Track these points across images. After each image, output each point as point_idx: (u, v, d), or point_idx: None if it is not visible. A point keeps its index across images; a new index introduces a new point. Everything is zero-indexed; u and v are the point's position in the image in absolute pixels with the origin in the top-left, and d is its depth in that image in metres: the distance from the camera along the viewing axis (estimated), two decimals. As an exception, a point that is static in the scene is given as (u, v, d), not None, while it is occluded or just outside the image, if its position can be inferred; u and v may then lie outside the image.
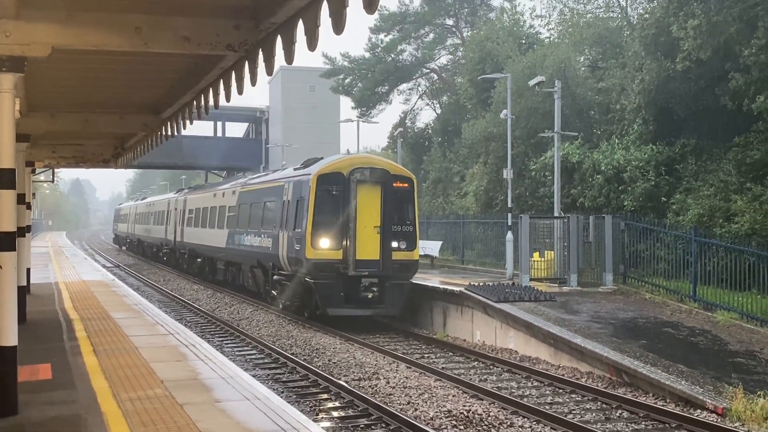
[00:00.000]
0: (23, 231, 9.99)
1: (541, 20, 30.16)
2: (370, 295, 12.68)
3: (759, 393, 8.56)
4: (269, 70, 4.73)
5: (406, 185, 13.34)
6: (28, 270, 12.28)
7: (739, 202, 15.39)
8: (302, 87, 44.78)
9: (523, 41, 28.50)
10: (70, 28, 4.49)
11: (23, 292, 9.43)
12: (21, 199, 8.87)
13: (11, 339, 4.86)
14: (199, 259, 22.91)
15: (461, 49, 31.95)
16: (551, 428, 7.74)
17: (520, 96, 22.52)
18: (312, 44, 3.73)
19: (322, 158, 14.97)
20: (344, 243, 12.68)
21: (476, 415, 8.04)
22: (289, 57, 4.23)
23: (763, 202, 14.92)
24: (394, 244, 12.99)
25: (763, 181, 15.48)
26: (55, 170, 22.41)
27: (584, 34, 26.51)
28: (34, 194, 17.75)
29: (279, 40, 4.30)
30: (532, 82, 19.51)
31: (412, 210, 13.45)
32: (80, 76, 7.05)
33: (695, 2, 16.90)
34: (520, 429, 7.69)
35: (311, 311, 13.52)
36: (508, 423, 7.84)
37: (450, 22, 33.17)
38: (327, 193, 12.69)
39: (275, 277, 14.91)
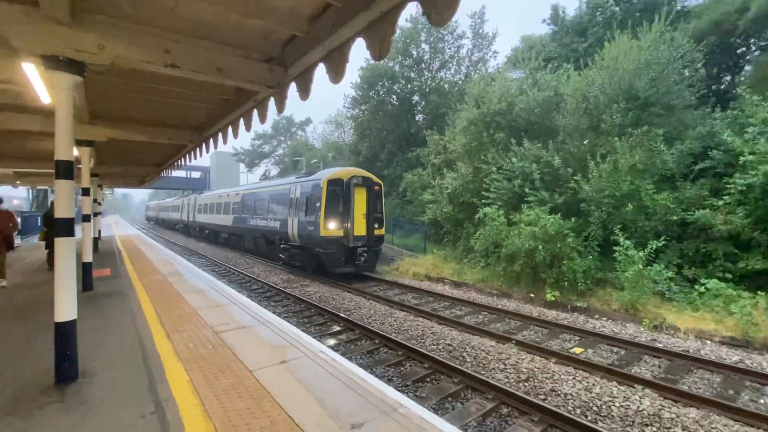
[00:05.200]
0: (97, 214, 14.66)
1: (318, 142, 50.15)
2: (362, 259, 14.14)
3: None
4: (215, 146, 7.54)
5: (378, 188, 14.76)
6: (99, 231, 17.66)
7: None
8: (224, 159, 75.43)
9: (309, 147, 46.13)
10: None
11: (96, 239, 13.90)
12: (93, 200, 11.85)
13: (89, 258, 7.55)
14: (206, 231, 28.69)
15: (287, 148, 54.91)
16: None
17: (310, 166, 36.04)
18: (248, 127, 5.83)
19: (319, 170, 16.64)
20: (345, 225, 13.90)
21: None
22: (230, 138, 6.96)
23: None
24: (375, 225, 14.50)
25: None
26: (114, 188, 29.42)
27: (333, 146, 41.56)
28: (104, 198, 23.72)
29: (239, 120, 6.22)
30: (312, 161, 32.57)
31: (380, 203, 14.95)
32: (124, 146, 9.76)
33: (368, 139, 27.79)
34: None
35: (314, 269, 14.97)
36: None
37: (283, 138, 57.58)
38: (333, 192, 13.85)
39: (282, 245, 16.52)
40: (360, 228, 14.17)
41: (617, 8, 18.45)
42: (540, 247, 11.38)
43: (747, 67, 14.92)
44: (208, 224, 27.52)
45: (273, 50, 4.59)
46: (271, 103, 4.94)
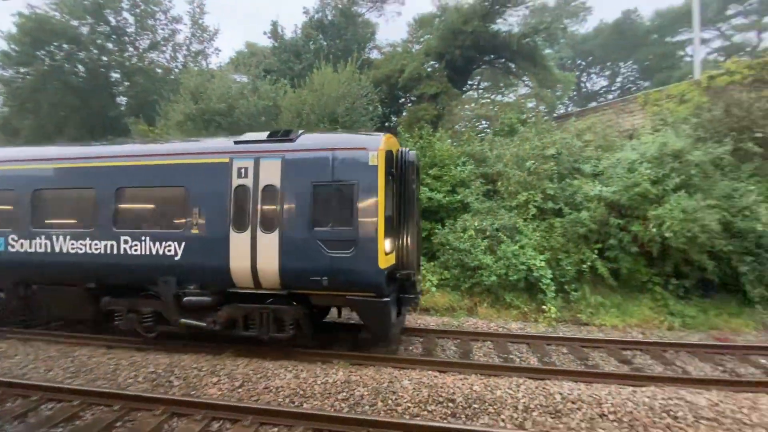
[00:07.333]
0: None
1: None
2: (417, 298, 7.52)
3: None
4: None
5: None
6: None
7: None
8: None
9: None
10: None
11: None
12: None
13: None
14: None
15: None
16: None
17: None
18: None
19: (302, 132, 7.29)
20: (400, 241, 7.14)
21: None
22: None
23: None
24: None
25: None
26: None
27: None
28: None
29: None
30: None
31: None
32: None
33: (32, 115, 21.30)
34: None
35: (305, 338, 7.16)
36: None
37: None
38: (389, 178, 6.84)
39: (192, 297, 7.13)
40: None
41: (325, 43, 21.11)
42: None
43: (404, 113, 20.26)
44: None
45: None
46: None
